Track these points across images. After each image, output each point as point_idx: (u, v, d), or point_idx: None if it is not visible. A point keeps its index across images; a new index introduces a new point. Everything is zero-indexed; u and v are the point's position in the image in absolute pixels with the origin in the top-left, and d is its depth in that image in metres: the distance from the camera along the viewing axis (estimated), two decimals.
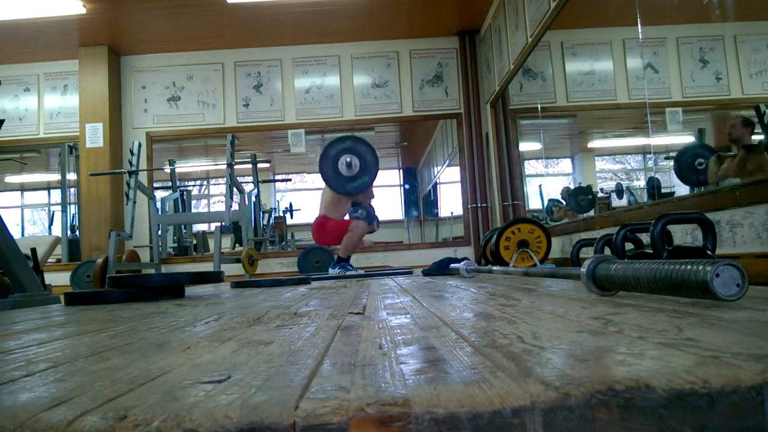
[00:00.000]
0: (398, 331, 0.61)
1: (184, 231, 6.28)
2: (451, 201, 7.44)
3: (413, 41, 5.64)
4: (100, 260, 4.55)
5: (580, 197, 5.06)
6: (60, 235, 5.76)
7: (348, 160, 3.67)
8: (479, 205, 5.47)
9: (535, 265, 2.91)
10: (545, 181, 5.87)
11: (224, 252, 5.46)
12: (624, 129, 5.43)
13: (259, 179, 6.26)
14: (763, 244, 1.89)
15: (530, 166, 6.08)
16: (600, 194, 5.44)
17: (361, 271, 3.90)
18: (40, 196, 9.18)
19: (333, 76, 5.59)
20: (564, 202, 5.42)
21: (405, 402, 0.29)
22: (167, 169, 6.48)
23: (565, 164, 6.14)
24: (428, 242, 7.54)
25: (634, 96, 4.56)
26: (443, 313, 0.77)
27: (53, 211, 7.84)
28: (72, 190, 5.98)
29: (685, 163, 3.58)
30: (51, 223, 7.97)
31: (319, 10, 4.97)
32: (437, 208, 9.07)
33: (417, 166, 9.90)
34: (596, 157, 5.92)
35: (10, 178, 8.56)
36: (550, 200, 5.59)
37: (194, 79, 5.65)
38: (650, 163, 5.61)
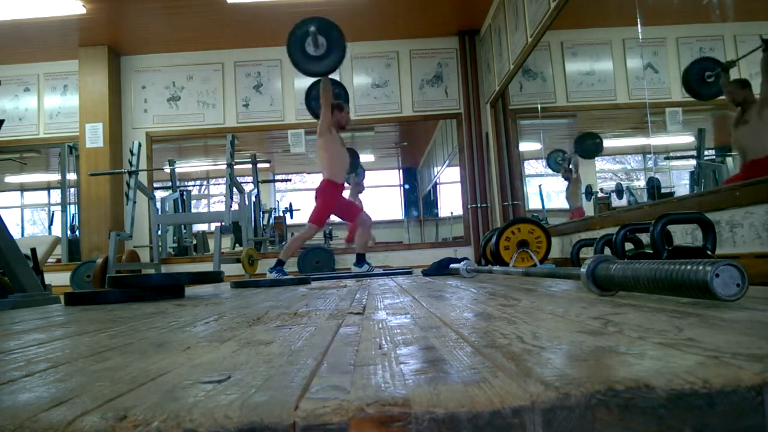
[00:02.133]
0: (398, 331, 0.61)
1: (184, 231, 6.28)
2: (451, 201, 7.45)
3: (413, 41, 5.64)
4: (100, 260, 4.55)
5: (588, 141, 5.00)
6: (60, 235, 5.76)
7: (314, 36, 3.61)
8: (479, 205, 5.47)
9: (535, 265, 2.91)
10: (545, 181, 5.87)
11: (224, 252, 5.47)
12: (624, 129, 5.43)
13: (259, 179, 6.26)
14: (763, 244, 1.89)
15: (530, 166, 6.08)
16: (600, 194, 5.43)
17: (379, 270, 3.97)
18: (40, 196, 9.18)
19: (332, 77, 5.58)
20: (566, 154, 5.37)
21: (405, 402, 0.29)
22: (167, 169, 6.48)
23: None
24: (428, 242, 7.54)
25: (634, 96, 4.57)
26: (443, 313, 0.77)
27: (53, 211, 7.85)
28: (72, 190, 5.98)
29: (694, 75, 3.48)
30: (51, 223, 7.97)
31: (318, 11, 4.96)
32: (437, 208, 9.07)
33: (417, 166, 9.90)
34: (596, 157, 5.92)
35: (10, 178, 8.56)
36: (553, 151, 5.53)
37: (194, 79, 5.65)
38: (650, 163, 5.61)
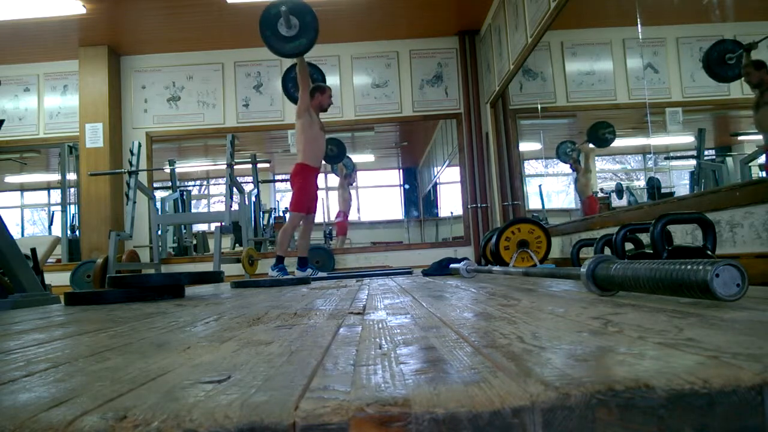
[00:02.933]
0: (398, 331, 0.61)
1: (184, 231, 6.28)
2: (451, 201, 7.45)
3: (413, 41, 5.64)
4: (100, 260, 4.55)
5: (601, 131, 4.97)
6: (60, 235, 5.76)
7: (287, 18, 3.54)
8: (479, 205, 5.47)
9: (535, 265, 2.91)
10: (545, 181, 5.87)
11: (224, 252, 5.47)
12: (624, 129, 5.44)
13: (259, 179, 6.26)
14: (763, 244, 1.89)
15: (530, 166, 6.08)
16: (600, 194, 5.43)
17: (323, 273, 3.89)
18: (40, 196, 9.18)
19: (333, 76, 5.59)
20: (575, 144, 5.34)
21: (405, 402, 0.29)
22: (167, 169, 6.48)
23: (565, 164, 6.14)
24: (428, 242, 7.54)
25: (634, 96, 4.57)
26: (443, 313, 0.77)
27: (53, 211, 7.85)
28: (72, 190, 5.98)
29: (714, 57, 3.43)
30: (51, 223, 7.98)
31: (318, 10, 4.92)
32: (437, 208, 9.07)
33: (417, 166, 9.90)
34: (596, 157, 5.93)
35: (10, 178, 8.56)
36: (562, 142, 5.50)
37: (194, 79, 5.65)
38: (650, 163, 5.61)
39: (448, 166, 7.25)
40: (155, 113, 5.61)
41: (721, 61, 3.39)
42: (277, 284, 2.40)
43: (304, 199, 3.97)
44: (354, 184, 8.05)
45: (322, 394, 0.32)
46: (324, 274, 3.75)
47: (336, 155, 6.10)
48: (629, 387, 0.30)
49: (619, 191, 5.33)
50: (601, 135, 4.97)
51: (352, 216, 8.66)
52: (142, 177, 5.17)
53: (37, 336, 0.79)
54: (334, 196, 8.16)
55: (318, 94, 3.97)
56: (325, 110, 4.08)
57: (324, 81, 4.54)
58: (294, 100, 4.05)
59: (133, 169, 4.68)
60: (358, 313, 0.86)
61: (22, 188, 8.97)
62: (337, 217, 7.72)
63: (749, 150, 3.99)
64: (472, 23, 5.41)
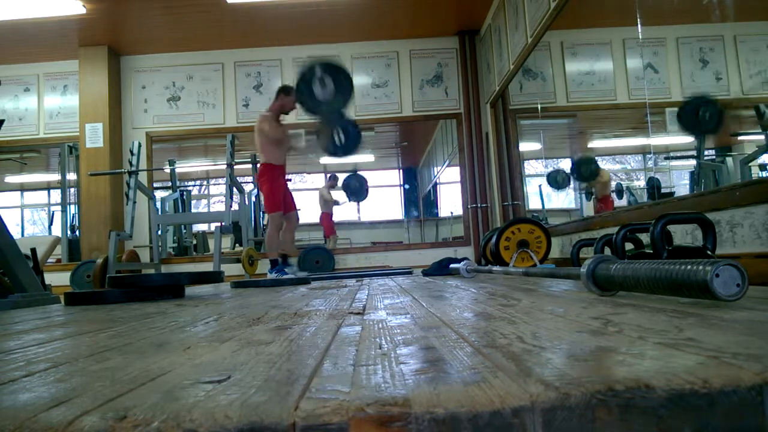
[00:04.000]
0: (398, 331, 0.61)
1: (184, 231, 6.28)
2: (451, 201, 7.45)
3: (413, 41, 5.63)
4: (100, 260, 4.55)
5: (584, 167, 5.04)
6: (60, 235, 5.76)
7: (321, 81, 3.49)
8: (479, 205, 5.47)
9: (535, 265, 2.91)
10: (545, 181, 5.87)
11: (224, 252, 5.46)
12: (624, 129, 5.44)
13: None
14: (763, 244, 1.89)
15: (530, 166, 6.08)
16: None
17: (303, 274, 3.86)
18: (40, 196, 9.19)
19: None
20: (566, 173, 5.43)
21: (405, 402, 0.29)
22: (167, 169, 6.48)
23: (565, 164, 6.14)
24: (428, 242, 7.54)
25: (634, 96, 4.57)
26: (443, 313, 0.77)
27: (53, 211, 7.85)
28: (72, 190, 5.98)
29: (689, 112, 3.45)
30: (51, 223, 7.98)
31: (318, 10, 4.97)
32: (437, 208, 9.07)
33: (417, 166, 9.90)
34: (596, 158, 5.93)
35: (10, 178, 8.56)
36: (552, 171, 5.59)
37: (194, 79, 5.65)
38: (650, 163, 5.61)
39: (448, 166, 7.25)
40: (155, 113, 5.61)
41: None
42: (277, 284, 2.40)
43: (276, 199, 3.96)
44: (336, 186, 8.05)
45: (322, 394, 0.32)
46: (304, 274, 3.68)
47: (358, 190, 6.19)
48: (629, 387, 0.30)
49: (619, 191, 5.33)
50: (584, 170, 5.10)
51: (352, 216, 8.65)
52: (142, 177, 5.17)
53: (37, 336, 0.79)
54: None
55: (282, 95, 3.94)
56: (287, 114, 4.04)
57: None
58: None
59: (133, 169, 4.68)
60: (358, 313, 0.86)
61: (22, 188, 8.97)
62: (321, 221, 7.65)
63: (749, 150, 3.99)
64: (472, 23, 5.40)
